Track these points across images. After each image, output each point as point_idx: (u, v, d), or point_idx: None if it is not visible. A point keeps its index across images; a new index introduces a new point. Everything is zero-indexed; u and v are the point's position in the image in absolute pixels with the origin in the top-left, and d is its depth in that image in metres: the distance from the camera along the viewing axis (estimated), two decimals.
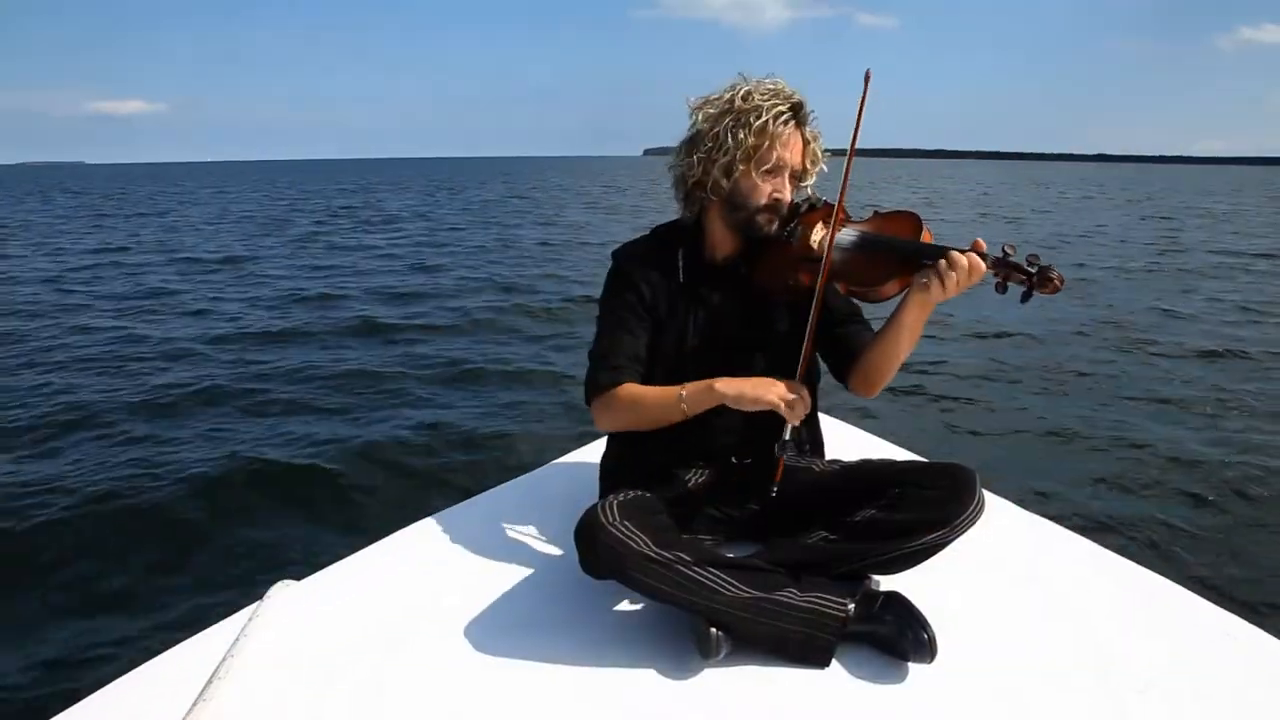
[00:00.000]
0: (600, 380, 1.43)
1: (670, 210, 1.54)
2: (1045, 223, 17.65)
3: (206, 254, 11.79)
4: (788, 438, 1.31)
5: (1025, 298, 1.22)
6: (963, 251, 1.24)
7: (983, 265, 1.23)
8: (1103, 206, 24.87)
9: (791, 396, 1.29)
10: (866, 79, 1.28)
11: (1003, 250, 1.23)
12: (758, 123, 1.34)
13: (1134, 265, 10.76)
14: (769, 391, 1.29)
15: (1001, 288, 1.25)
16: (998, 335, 6.48)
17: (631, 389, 1.42)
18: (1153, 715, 1.12)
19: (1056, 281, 1.19)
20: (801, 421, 1.55)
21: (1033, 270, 1.21)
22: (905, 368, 1.43)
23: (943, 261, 1.24)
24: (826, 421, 1.68)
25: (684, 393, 1.35)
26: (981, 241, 1.25)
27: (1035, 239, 13.11)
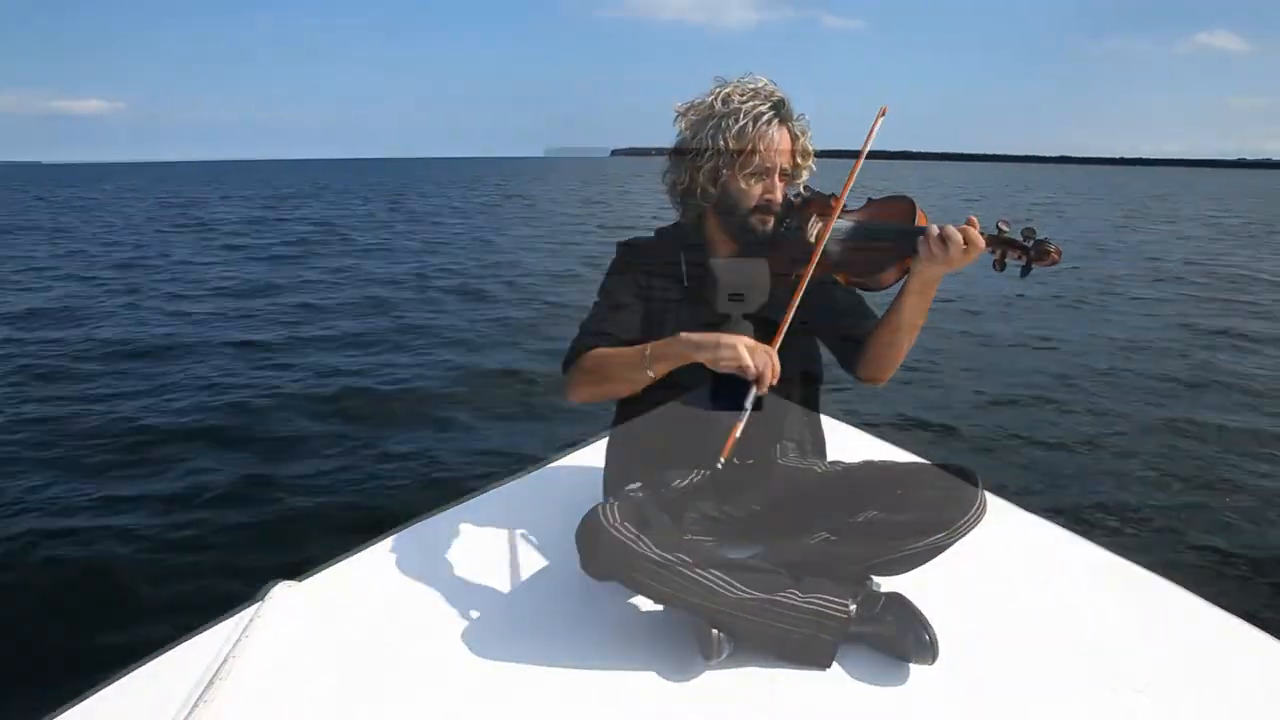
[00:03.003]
0: (578, 346, 1.37)
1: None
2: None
3: None
4: (748, 405, 1.17)
5: (1024, 272, 1.20)
6: (958, 227, 1.21)
7: (978, 238, 1.20)
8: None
9: (761, 356, 1.17)
10: (882, 113, 1.32)
11: (997, 226, 1.21)
12: (737, 126, 1.33)
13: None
14: (739, 343, 1.18)
15: (1000, 264, 1.22)
16: (1003, 337, 6.49)
17: (600, 350, 1.35)
18: (1153, 716, 1.13)
19: (1054, 254, 1.17)
20: (799, 422, 1.55)
21: (1029, 244, 1.18)
22: (908, 369, 1.42)
23: (937, 237, 1.21)
24: (828, 423, 1.68)
25: (648, 350, 1.26)
26: (975, 219, 1.22)
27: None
